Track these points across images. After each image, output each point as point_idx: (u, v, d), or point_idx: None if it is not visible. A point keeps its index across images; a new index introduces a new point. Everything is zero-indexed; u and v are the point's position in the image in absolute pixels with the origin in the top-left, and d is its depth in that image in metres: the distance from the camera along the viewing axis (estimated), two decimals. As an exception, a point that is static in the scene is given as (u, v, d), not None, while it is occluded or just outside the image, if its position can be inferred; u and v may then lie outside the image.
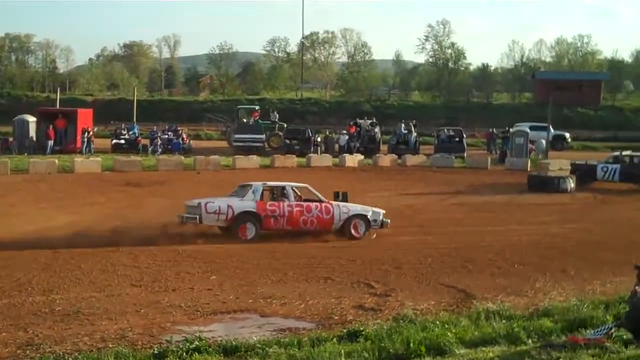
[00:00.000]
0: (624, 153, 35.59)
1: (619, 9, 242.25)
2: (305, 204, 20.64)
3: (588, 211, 27.57)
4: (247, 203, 19.92)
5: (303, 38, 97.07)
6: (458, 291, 13.85)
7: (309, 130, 48.14)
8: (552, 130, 49.40)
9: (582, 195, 31.26)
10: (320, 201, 20.70)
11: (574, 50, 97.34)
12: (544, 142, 45.17)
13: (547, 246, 19.44)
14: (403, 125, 49.32)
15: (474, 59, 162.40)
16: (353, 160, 40.83)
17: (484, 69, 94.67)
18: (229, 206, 19.75)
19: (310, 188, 21.38)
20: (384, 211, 21.31)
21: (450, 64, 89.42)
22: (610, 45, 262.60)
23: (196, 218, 19.65)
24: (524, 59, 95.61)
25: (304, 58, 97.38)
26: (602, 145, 55.41)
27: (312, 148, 44.97)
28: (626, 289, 11.07)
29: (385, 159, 41.74)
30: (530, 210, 26.86)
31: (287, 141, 46.55)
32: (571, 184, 32.02)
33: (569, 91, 71.14)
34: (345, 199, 21.31)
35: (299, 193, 21.21)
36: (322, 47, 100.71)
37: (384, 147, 47.08)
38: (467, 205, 28.18)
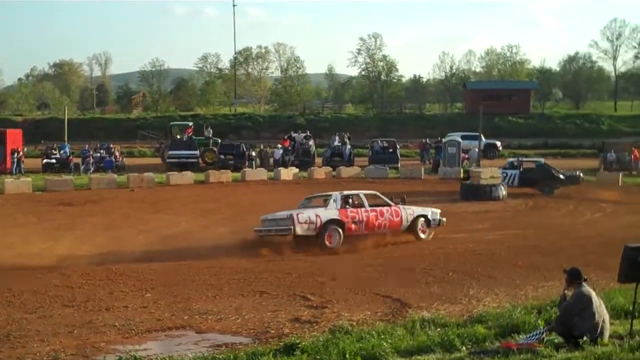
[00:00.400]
0: (522, 159, 36.83)
1: (545, 19, 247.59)
2: (378, 208, 21.86)
3: (520, 218, 28.02)
4: (331, 211, 20.97)
5: (236, 53, 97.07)
6: (393, 301, 13.90)
7: (243, 145, 48.03)
8: (483, 139, 50.19)
9: (514, 202, 31.83)
10: (389, 205, 22.11)
11: (504, 60, 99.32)
12: (476, 150, 45.87)
13: (481, 253, 19.63)
14: (337, 137, 49.62)
15: (406, 71, 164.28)
16: (288, 173, 40.86)
17: (416, 80, 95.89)
18: (317, 216, 20.71)
19: (379, 194, 22.89)
20: (439, 210, 23.13)
21: (383, 77, 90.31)
22: (539, 55, 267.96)
23: (290, 229, 20.36)
24: (455, 70, 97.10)
25: (237, 73, 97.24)
26: (533, 152, 56.48)
27: (247, 162, 44.90)
28: (557, 294, 11.25)
29: (320, 172, 41.85)
30: (463, 219, 27.10)
31: (222, 156, 46.38)
32: (503, 191, 32.55)
33: (499, 100, 72.51)
34: (404, 202, 22.64)
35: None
36: (255, 62, 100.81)
37: (318, 160, 47.23)
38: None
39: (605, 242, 20.03)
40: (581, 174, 36.35)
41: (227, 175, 39.91)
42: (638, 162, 43.80)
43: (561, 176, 35.07)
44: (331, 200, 21.38)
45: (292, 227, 20.28)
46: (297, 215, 20.54)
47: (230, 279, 16.21)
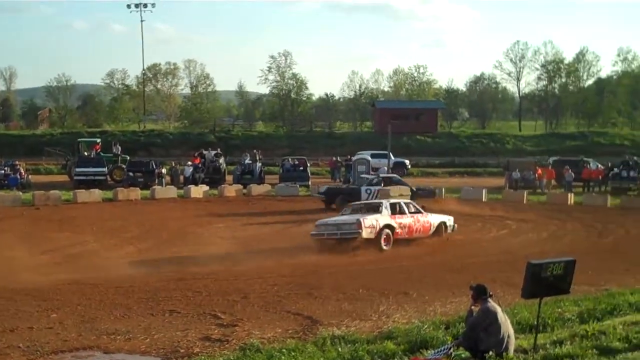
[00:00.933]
0: (383, 175, 39.38)
1: (451, 40, 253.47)
2: (414, 215, 24.86)
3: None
4: (386, 217, 23.74)
5: (144, 69, 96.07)
6: (304, 318, 13.94)
7: (153, 162, 47.45)
8: (392, 157, 50.88)
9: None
10: (421, 213, 25.28)
11: (411, 80, 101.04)
12: (385, 169, 46.43)
13: (391, 270, 19.85)
14: (248, 155, 49.54)
15: (317, 89, 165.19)
16: (198, 191, 40.53)
17: (326, 99, 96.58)
18: (376, 220, 23.29)
19: (414, 203, 26.59)
20: (452, 217, 26.55)
21: (293, 95, 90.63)
22: (446, 75, 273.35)
23: (358, 233, 22.82)
24: (364, 89, 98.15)
25: (147, 90, 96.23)
26: (441, 171, 57.58)
27: (157, 180, 44.39)
28: (465, 309, 11.45)
29: (231, 189, 41.66)
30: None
31: (131, 174, 45.72)
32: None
33: (407, 119, 73.53)
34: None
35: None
36: (164, 79, 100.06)
37: (229, 178, 47.02)
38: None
39: (511, 259, 20.51)
40: (436, 189, 39.38)
41: (136, 193, 39.35)
42: (542, 180, 44.92)
43: (415, 189, 36.87)
44: (383, 208, 24.16)
45: (359, 231, 22.76)
46: (363, 220, 22.98)
47: (139, 298, 15.97)
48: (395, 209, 24.41)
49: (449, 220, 26.09)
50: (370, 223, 23.07)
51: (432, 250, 23.92)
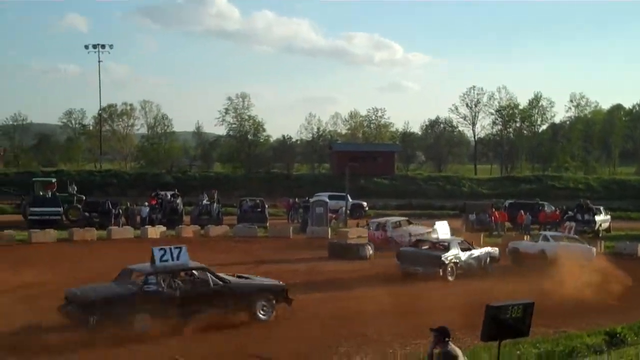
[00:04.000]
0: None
1: (407, 84, 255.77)
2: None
3: (389, 277, 28.36)
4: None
5: (101, 110, 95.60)
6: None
7: (109, 202, 47.00)
8: (350, 199, 51.02)
9: (381, 261, 32.12)
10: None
11: (368, 123, 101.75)
12: (343, 209, 46.55)
13: (350, 311, 19.84)
14: (205, 196, 49.34)
15: (274, 131, 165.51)
16: (155, 231, 40.25)
17: (284, 140, 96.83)
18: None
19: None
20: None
21: (250, 136, 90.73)
22: (402, 118, 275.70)
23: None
24: (322, 132, 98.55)
25: (103, 130, 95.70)
26: (398, 213, 57.75)
27: (113, 220, 44.01)
28: (425, 351, 11.48)
29: (188, 230, 41.41)
30: (332, 278, 27.33)
31: (87, 214, 45.29)
32: (370, 251, 33.12)
33: (364, 162, 73.72)
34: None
35: None
36: (120, 119, 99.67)
37: (186, 218, 46.73)
38: (270, 274, 28.29)
39: (470, 302, 20.62)
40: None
41: (92, 233, 38.95)
42: (497, 222, 45.37)
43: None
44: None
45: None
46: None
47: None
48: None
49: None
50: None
51: (391, 294, 23.90)
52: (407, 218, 41.13)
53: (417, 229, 37.62)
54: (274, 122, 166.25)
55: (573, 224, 38.45)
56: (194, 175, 77.66)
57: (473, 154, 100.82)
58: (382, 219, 39.67)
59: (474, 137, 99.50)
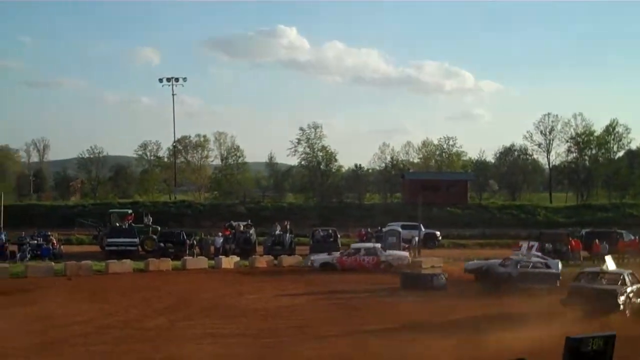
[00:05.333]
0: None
1: (479, 112, 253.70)
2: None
3: (462, 307, 27.98)
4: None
5: (175, 142, 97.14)
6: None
7: (184, 233, 47.61)
8: (423, 228, 50.69)
9: (455, 290, 31.72)
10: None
11: (440, 152, 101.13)
12: (417, 239, 46.25)
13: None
14: (278, 226, 49.58)
15: (346, 160, 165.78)
16: (229, 262, 40.55)
17: (356, 170, 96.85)
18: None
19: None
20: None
21: (322, 166, 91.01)
22: (476, 146, 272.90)
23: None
24: (394, 161, 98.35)
25: (177, 161, 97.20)
26: (472, 243, 57.16)
27: (187, 251, 44.52)
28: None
29: (262, 260, 41.60)
30: (404, 308, 27.01)
31: (162, 244, 45.88)
32: (444, 280, 32.66)
33: (437, 191, 73.32)
34: None
35: None
36: (194, 151, 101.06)
37: (259, 249, 46.99)
38: (342, 304, 28.23)
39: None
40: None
41: (167, 264, 39.42)
42: (575, 251, 44.47)
43: None
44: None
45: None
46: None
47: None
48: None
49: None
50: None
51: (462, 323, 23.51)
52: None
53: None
54: (344, 152, 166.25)
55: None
56: (266, 206, 78.18)
57: (548, 182, 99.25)
58: None
59: (549, 165, 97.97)
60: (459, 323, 23.35)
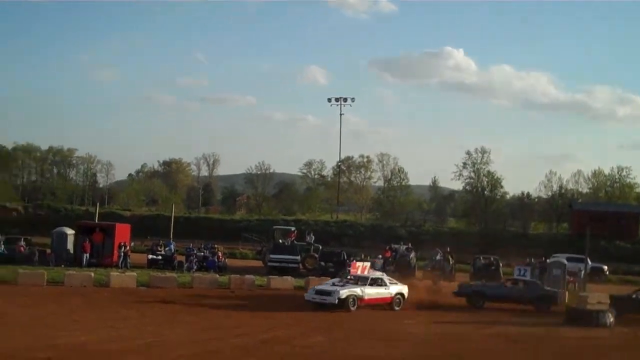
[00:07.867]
0: None
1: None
2: None
3: (629, 348, 26.77)
4: None
5: (340, 162, 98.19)
6: None
7: (344, 253, 47.83)
8: (589, 262, 48.85)
9: (621, 330, 30.36)
10: None
11: (612, 182, 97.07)
12: (583, 273, 44.60)
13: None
14: (439, 252, 48.98)
15: (510, 186, 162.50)
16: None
17: (522, 197, 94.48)
18: None
19: None
20: None
21: (487, 192, 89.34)
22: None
23: None
24: (562, 189, 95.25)
25: (340, 181, 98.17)
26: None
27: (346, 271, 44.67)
28: None
29: (419, 284, 41.19)
30: (566, 345, 26.07)
31: (322, 263, 46.27)
32: (610, 318, 31.21)
33: (606, 223, 70.53)
34: None
35: None
36: (358, 171, 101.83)
37: (418, 273, 46.61)
38: (502, 335, 27.56)
39: None
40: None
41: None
42: None
43: None
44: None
45: None
46: None
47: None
48: None
49: None
50: None
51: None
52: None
53: None
54: (509, 178, 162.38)
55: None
56: (427, 230, 77.63)
57: None
58: None
59: None
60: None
